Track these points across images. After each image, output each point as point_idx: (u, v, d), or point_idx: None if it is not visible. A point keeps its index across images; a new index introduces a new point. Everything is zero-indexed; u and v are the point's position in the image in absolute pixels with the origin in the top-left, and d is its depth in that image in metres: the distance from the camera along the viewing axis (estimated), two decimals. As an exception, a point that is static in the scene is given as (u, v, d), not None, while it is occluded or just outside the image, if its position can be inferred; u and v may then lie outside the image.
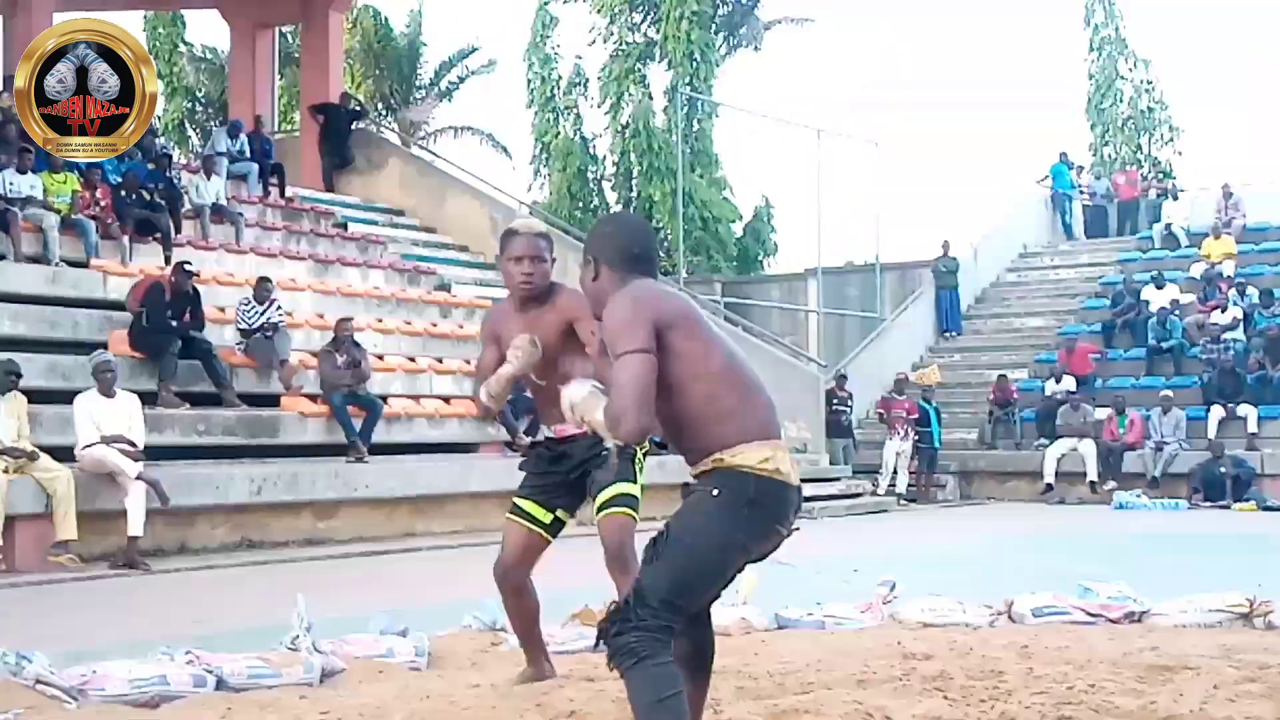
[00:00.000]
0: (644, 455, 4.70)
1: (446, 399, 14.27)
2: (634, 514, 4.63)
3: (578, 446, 4.66)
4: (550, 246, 4.71)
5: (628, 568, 4.35)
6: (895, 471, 17.68)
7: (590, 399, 3.46)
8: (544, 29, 31.63)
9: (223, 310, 13.42)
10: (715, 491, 3.37)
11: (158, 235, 14.25)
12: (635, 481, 4.65)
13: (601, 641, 3.34)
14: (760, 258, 31.42)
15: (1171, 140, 33.50)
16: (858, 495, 16.76)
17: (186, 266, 12.53)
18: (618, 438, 3.37)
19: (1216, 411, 17.43)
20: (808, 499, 9.89)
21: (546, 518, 4.73)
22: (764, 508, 3.39)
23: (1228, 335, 18.78)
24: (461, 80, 33.53)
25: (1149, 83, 33.81)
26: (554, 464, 4.75)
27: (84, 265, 13.30)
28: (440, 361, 14.92)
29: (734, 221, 31.01)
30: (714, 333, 3.52)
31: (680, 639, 3.42)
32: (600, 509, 4.62)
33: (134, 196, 14.23)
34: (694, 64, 29.70)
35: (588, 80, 31.84)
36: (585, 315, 4.41)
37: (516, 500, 4.80)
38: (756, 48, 31.32)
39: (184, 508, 10.27)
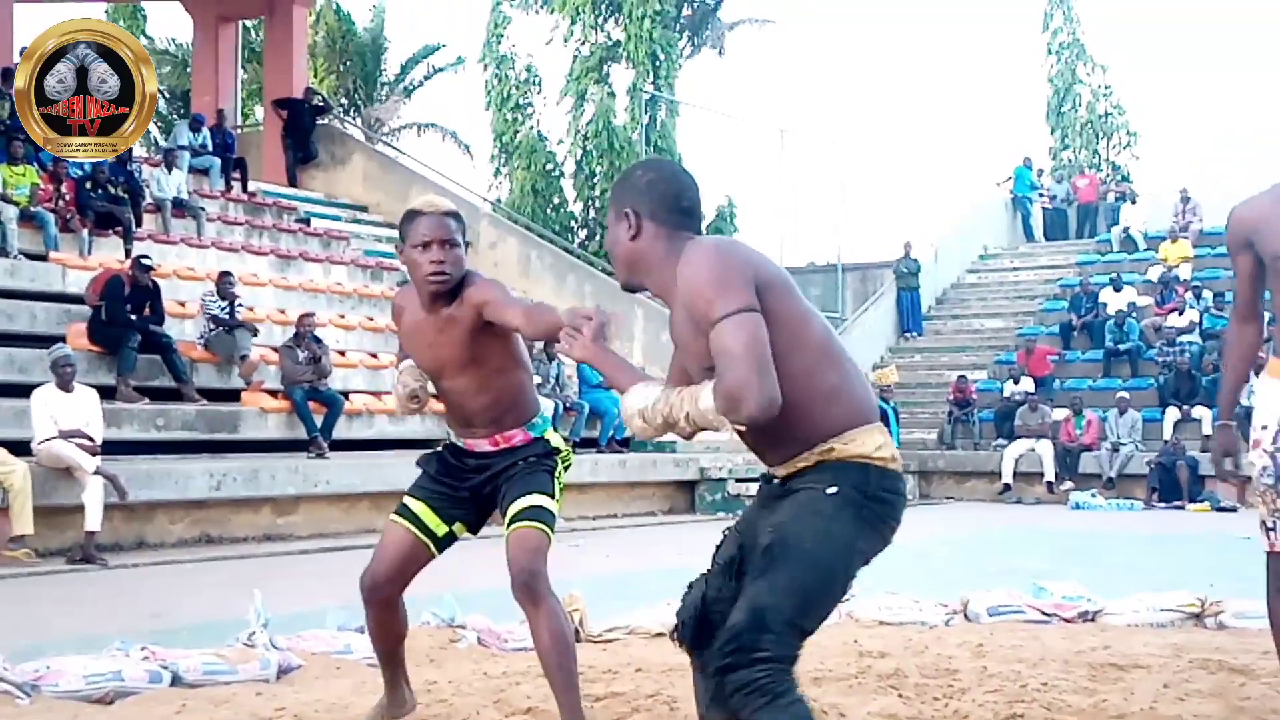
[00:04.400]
0: (566, 468, 3.99)
1: (408, 395, 14.23)
2: (549, 532, 3.81)
3: (493, 462, 3.93)
4: (463, 228, 3.86)
5: (537, 599, 3.72)
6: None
7: (670, 397, 2.80)
8: (497, 28, 31.51)
9: (183, 304, 13.36)
10: (832, 489, 2.85)
11: (118, 229, 14.17)
12: (554, 496, 3.88)
13: (723, 676, 2.74)
14: (723, 257, 31.40)
15: (1129, 145, 33.79)
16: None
17: (144, 260, 12.47)
18: (740, 421, 2.71)
19: (1172, 413, 17.61)
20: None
21: (440, 529, 3.93)
22: (885, 504, 2.93)
23: (1183, 338, 18.96)
24: (426, 78, 33.45)
25: (1107, 88, 34.09)
26: (461, 475, 3.96)
27: (43, 258, 13.21)
28: (402, 358, 14.88)
29: (697, 221, 30.97)
30: (803, 296, 2.95)
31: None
32: (510, 522, 3.82)
33: (99, 191, 14.15)
34: (656, 63, 29.70)
35: (541, 80, 31.74)
36: (494, 295, 3.75)
37: (407, 500, 3.97)
38: (720, 52, 31.33)
39: (142, 503, 10.20)
